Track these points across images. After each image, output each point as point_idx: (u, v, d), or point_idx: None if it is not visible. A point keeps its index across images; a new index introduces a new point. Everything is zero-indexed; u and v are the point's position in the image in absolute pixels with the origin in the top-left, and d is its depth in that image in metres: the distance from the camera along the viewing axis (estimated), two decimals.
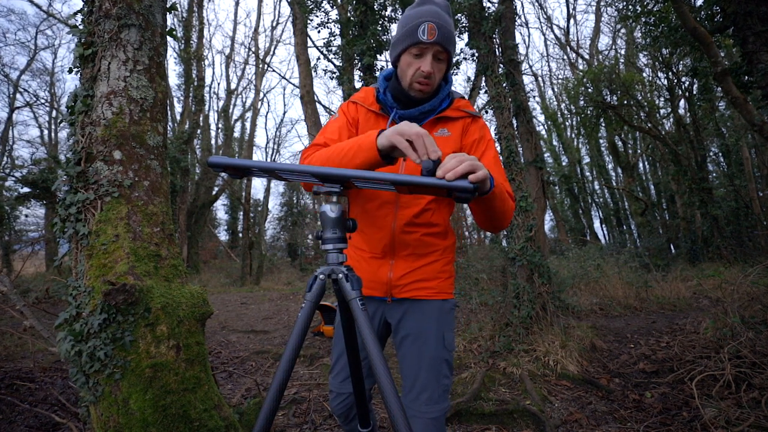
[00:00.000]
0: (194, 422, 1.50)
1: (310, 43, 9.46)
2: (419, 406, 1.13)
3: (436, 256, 1.22)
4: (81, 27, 1.75)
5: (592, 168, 20.45)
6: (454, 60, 8.16)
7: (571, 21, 20.41)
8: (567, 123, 20.20)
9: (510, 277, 4.63)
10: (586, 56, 17.56)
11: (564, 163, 20.56)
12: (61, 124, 18.57)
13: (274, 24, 27.65)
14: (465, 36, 7.59)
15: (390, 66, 1.29)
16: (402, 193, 0.90)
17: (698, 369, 2.71)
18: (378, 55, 6.71)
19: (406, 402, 1.15)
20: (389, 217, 1.18)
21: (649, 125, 11.50)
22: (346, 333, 1.04)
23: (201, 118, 14.69)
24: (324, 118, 8.78)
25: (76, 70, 1.75)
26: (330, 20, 7.88)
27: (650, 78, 12.96)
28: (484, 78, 4.94)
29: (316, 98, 7.95)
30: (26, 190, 11.44)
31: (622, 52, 15.65)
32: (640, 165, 19.52)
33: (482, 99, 9.40)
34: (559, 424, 2.35)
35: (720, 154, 14.93)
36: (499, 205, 1.04)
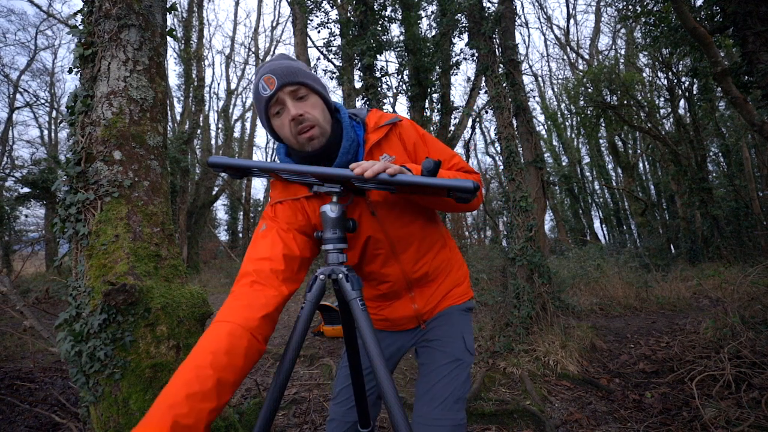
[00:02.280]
0: None
1: (310, 43, 9.48)
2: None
3: (447, 270, 1.22)
4: (81, 27, 1.75)
5: (592, 168, 20.43)
6: (454, 60, 8.17)
7: (571, 21, 20.46)
8: (567, 123, 20.19)
9: (510, 277, 4.62)
10: (586, 56, 17.56)
11: (564, 163, 20.55)
12: (61, 125, 18.58)
13: (274, 24, 27.68)
14: (465, 36, 7.61)
15: (278, 145, 1.12)
16: (403, 193, 0.90)
17: (698, 369, 2.71)
18: (378, 55, 6.71)
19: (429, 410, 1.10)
20: (395, 266, 1.14)
21: (649, 125, 11.50)
22: (346, 333, 1.04)
23: (201, 118, 14.68)
24: None
25: (76, 70, 1.75)
26: (330, 20, 7.89)
27: (650, 78, 12.96)
28: (484, 78, 4.94)
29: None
30: (26, 190, 11.44)
31: (622, 52, 15.65)
32: (640, 165, 19.51)
33: (482, 99, 9.41)
34: (559, 424, 2.35)
35: (720, 154, 14.91)
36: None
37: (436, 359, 1.15)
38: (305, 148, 0.98)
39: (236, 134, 20.85)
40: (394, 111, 10.18)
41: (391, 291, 1.17)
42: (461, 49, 8.64)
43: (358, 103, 7.67)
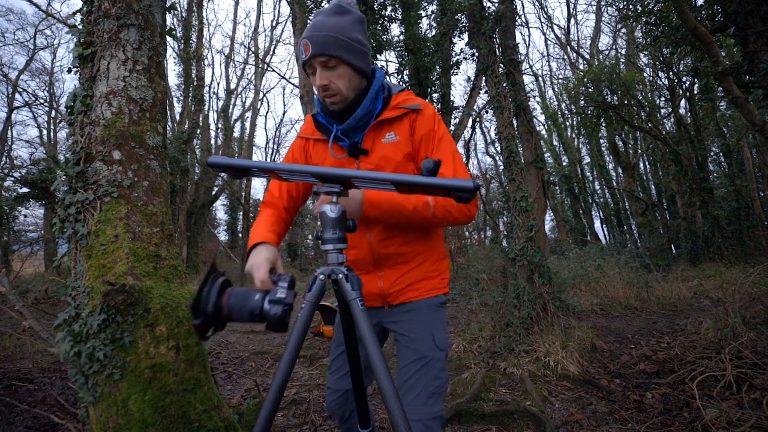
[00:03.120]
0: (194, 423, 1.50)
1: None
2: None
3: (421, 258, 1.22)
4: (80, 27, 1.75)
5: (593, 168, 20.44)
6: (454, 60, 8.17)
7: (572, 21, 20.36)
8: (567, 123, 20.19)
9: (510, 277, 4.62)
10: (587, 56, 17.55)
11: (564, 163, 20.55)
12: (60, 124, 18.58)
13: (274, 24, 27.62)
14: (465, 36, 7.60)
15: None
16: (402, 193, 0.90)
17: (699, 369, 2.70)
18: (378, 55, 6.70)
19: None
20: (364, 236, 1.18)
21: (650, 125, 11.49)
22: (345, 334, 1.03)
23: (201, 118, 14.68)
24: None
25: (75, 69, 1.74)
26: None
27: (651, 78, 12.94)
28: (484, 78, 4.93)
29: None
30: (25, 190, 11.44)
31: (623, 51, 15.65)
32: (641, 165, 19.51)
33: (482, 99, 9.41)
34: (559, 424, 2.34)
35: (721, 154, 14.91)
36: (418, 219, 1.10)
37: (406, 357, 1.18)
38: (328, 107, 1.15)
39: (236, 134, 20.85)
40: None
41: (358, 259, 1.21)
42: (461, 49, 8.63)
43: None
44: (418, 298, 1.21)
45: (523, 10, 25.11)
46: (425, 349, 1.17)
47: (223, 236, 22.90)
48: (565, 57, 18.71)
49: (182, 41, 13.04)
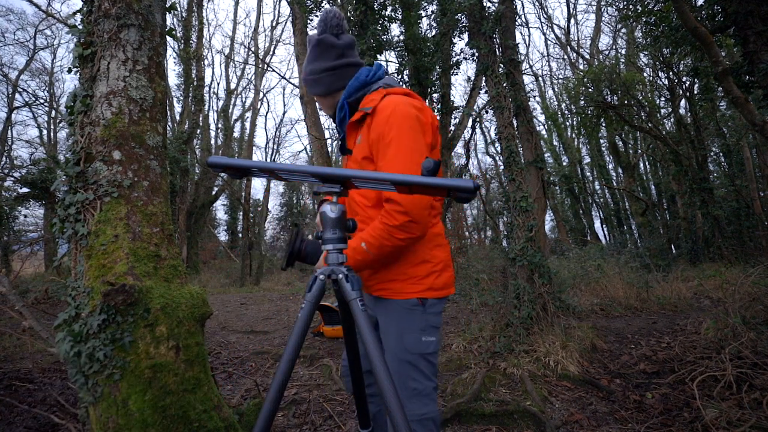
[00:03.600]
0: (194, 423, 1.50)
1: None
2: None
3: (395, 258, 1.20)
4: (80, 27, 1.75)
5: (593, 168, 20.43)
6: (454, 60, 8.18)
7: (572, 21, 20.35)
8: (567, 123, 20.18)
9: (510, 277, 4.62)
10: (587, 56, 17.54)
11: (564, 163, 20.55)
12: (60, 124, 18.57)
13: (274, 24, 27.59)
14: (465, 36, 7.60)
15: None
16: (402, 193, 0.90)
17: (699, 369, 2.70)
18: (378, 55, 6.70)
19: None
20: None
21: (650, 125, 11.48)
22: (346, 333, 1.03)
23: (201, 118, 14.68)
24: (324, 118, 8.77)
25: (75, 69, 1.74)
26: None
27: (651, 78, 12.93)
28: (484, 78, 4.93)
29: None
30: (25, 190, 11.43)
31: (623, 51, 15.65)
32: (641, 165, 19.49)
33: (482, 99, 9.39)
34: (559, 424, 2.34)
35: (721, 154, 14.91)
36: (381, 253, 1.13)
37: None
38: None
39: (236, 134, 20.84)
40: None
41: None
42: (461, 49, 8.64)
43: None
44: (387, 297, 1.21)
45: (523, 10, 25.12)
46: (395, 350, 1.17)
47: (223, 236, 22.91)
48: (565, 57, 18.70)
49: (182, 41, 13.04)
